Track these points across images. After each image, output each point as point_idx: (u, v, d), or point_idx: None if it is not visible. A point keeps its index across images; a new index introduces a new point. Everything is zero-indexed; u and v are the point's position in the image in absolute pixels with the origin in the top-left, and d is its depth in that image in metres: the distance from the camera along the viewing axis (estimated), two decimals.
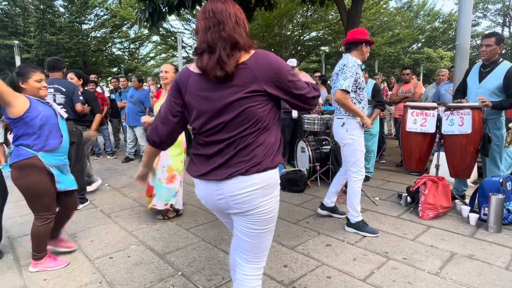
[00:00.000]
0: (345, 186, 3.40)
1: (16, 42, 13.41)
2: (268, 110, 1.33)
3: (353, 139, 3.01)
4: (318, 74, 7.35)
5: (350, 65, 2.90)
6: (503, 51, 3.48)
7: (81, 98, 3.88)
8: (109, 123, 7.30)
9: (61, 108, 3.76)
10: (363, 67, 4.88)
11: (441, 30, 24.10)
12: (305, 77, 1.45)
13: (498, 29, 25.84)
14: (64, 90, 3.75)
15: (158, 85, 7.12)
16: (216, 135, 1.34)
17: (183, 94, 1.41)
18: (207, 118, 1.34)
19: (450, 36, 23.17)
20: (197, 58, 1.33)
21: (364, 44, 3.01)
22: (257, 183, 1.30)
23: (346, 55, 3.04)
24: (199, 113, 1.37)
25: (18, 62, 12.94)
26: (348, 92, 2.87)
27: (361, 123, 3.08)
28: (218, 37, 1.28)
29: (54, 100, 3.78)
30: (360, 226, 3.06)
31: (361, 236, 2.99)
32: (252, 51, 1.31)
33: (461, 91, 3.77)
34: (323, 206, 3.49)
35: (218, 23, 1.29)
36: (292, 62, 5.83)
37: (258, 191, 1.31)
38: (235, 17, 1.32)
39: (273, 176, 1.35)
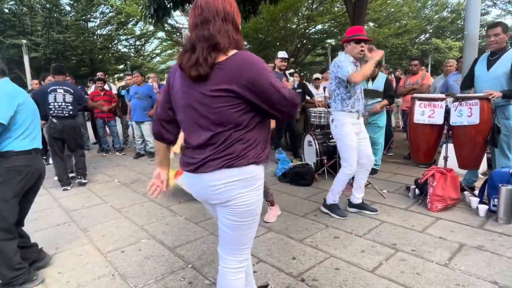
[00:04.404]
0: (352, 178, 3.40)
1: (24, 41, 13.58)
2: (243, 111, 1.31)
3: (341, 134, 3.13)
4: None
5: (342, 58, 3.07)
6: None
7: (86, 96, 4.96)
8: (118, 119, 7.36)
9: (69, 106, 4.46)
10: None
11: (449, 20, 23.68)
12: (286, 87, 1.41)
13: (509, 18, 25.30)
14: (72, 91, 4.60)
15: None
16: (194, 132, 1.38)
17: (171, 88, 1.46)
18: (185, 114, 1.39)
19: (459, 26, 22.76)
20: (180, 54, 1.34)
21: (349, 42, 3.07)
22: (234, 175, 1.34)
23: (340, 52, 3.22)
24: (178, 108, 1.42)
25: (26, 61, 13.11)
26: (353, 75, 2.95)
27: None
28: (201, 36, 1.29)
29: (64, 99, 4.47)
30: (333, 208, 3.32)
31: (369, 228, 3.00)
32: (233, 52, 1.30)
33: (468, 81, 3.75)
34: (350, 204, 3.48)
35: (205, 21, 1.30)
36: (283, 54, 5.76)
37: (236, 183, 1.34)
38: (223, 13, 1.31)
39: (253, 171, 1.37)
